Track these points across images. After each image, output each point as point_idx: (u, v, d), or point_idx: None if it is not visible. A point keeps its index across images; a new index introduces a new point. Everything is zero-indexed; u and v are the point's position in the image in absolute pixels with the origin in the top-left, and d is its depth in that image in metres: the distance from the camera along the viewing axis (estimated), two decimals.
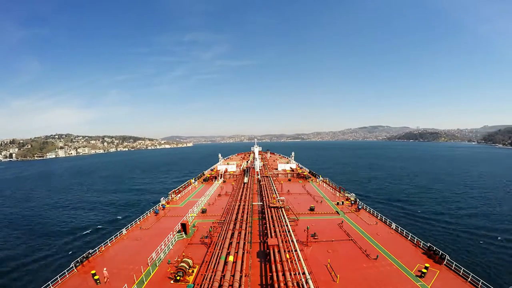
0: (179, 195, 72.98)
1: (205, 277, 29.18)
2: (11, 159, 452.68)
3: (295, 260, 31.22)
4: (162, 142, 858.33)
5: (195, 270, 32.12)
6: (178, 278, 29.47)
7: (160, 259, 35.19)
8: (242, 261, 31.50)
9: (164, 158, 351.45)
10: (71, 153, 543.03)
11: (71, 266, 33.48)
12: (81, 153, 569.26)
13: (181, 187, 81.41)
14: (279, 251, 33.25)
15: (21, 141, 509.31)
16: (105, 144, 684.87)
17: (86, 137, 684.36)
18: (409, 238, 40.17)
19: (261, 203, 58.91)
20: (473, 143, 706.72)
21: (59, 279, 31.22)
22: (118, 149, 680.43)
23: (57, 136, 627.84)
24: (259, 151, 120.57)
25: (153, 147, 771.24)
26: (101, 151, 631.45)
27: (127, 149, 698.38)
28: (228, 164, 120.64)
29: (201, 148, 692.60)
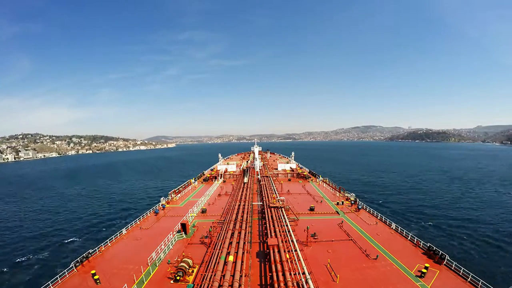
0: (179, 195, 72.98)
1: (205, 277, 29.18)
2: None
3: (295, 260, 31.23)
4: (138, 142, 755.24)
5: (195, 270, 32.12)
6: (178, 278, 29.48)
7: (160, 259, 35.19)
8: (242, 261, 31.51)
9: (106, 169, 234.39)
10: (7, 159, 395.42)
11: (71, 266, 33.49)
12: (22, 158, 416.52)
13: (181, 187, 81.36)
14: (279, 251, 33.24)
15: None
16: (71, 145, 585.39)
17: (53, 137, 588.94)
18: (409, 238, 40.16)
19: (261, 203, 58.89)
20: (496, 144, 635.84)
21: (59, 279, 31.22)
22: (81, 152, 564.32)
23: (21, 136, 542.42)
24: (259, 151, 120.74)
25: (125, 149, 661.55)
26: (54, 154, 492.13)
27: (91, 151, 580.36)
28: (228, 164, 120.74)
29: (181, 150, 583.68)
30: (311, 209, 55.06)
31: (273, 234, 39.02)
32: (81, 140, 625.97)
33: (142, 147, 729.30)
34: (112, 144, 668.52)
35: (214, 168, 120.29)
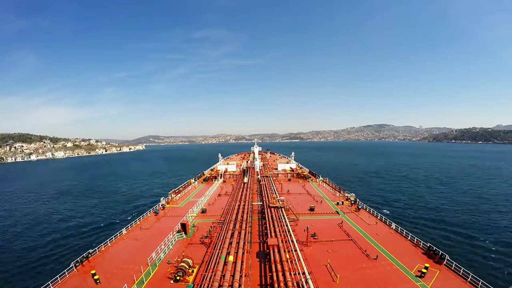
0: (179, 195, 72.96)
1: (205, 277, 29.17)
2: None
3: (295, 260, 31.23)
4: (70, 144, 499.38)
5: (195, 270, 32.11)
6: (178, 278, 29.47)
7: (160, 259, 35.19)
8: (242, 261, 31.52)
9: None
10: None
11: (71, 266, 33.48)
12: None
13: (181, 187, 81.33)
14: (279, 251, 33.23)
15: None
16: None
17: None
18: (409, 238, 40.16)
19: (261, 203, 58.91)
20: None
21: (59, 279, 31.20)
22: None
23: None
24: (259, 151, 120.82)
25: (21, 158, 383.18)
26: None
27: None
28: (228, 164, 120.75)
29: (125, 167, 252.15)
30: (311, 209, 55.05)
31: (273, 234, 39.01)
32: None
33: (59, 154, 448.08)
34: (17, 148, 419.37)
35: (214, 168, 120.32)
